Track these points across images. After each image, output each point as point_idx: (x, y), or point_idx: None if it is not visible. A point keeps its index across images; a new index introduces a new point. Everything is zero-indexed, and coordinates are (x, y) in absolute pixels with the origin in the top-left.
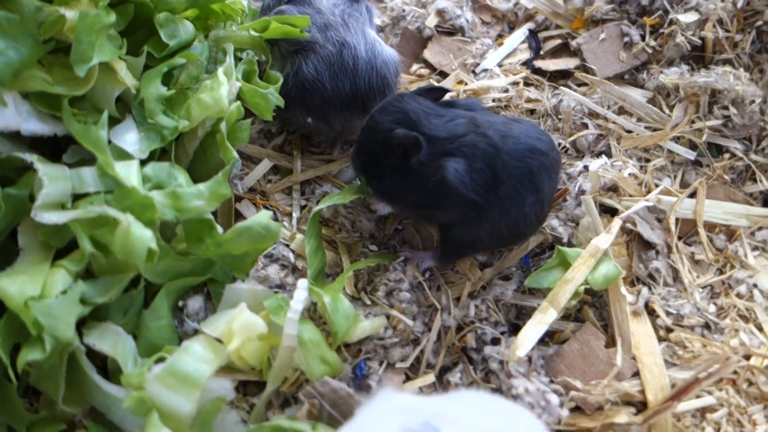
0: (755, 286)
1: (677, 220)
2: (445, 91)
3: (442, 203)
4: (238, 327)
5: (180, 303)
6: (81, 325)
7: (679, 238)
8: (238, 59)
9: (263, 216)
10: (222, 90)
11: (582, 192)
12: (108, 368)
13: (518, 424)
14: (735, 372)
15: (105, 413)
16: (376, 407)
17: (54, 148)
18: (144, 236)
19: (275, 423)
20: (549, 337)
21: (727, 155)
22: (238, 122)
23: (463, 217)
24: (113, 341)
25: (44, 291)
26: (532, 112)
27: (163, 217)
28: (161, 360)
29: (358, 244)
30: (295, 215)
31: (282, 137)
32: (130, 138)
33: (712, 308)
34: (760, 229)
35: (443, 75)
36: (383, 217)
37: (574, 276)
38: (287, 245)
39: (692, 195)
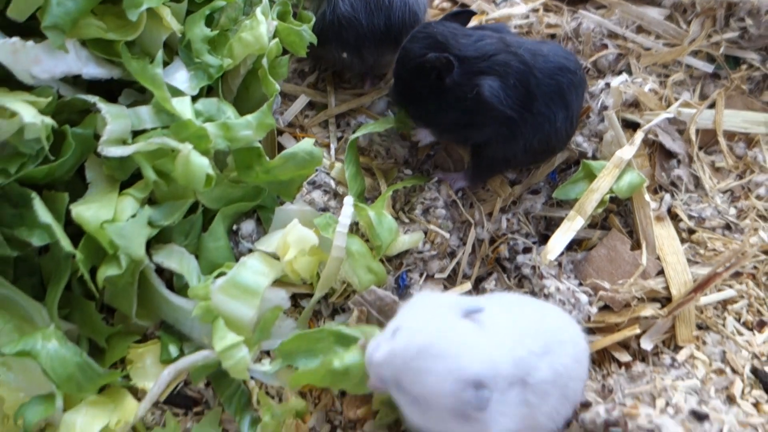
0: None
1: (697, 130)
2: (471, 13)
3: (479, 121)
4: (293, 239)
5: (234, 227)
6: (149, 246)
7: (700, 148)
8: (272, 1)
9: (306, 143)
10: (261, 28)
11: (604, 108)
12: (174, 286)
13: (549, 311)
14: (755, 267)
15: (174, 325)
16: (420, 301)
17: (107, 94)
18: (202, 163)
19: (330, 327)
20: (577, 245)
21: (744, 66)
22: (277, 58)
23: (498, 135)
24: (179, 259)
25: (116, 216)
26: (552, 36)
27: (216, 147)
28: (222, 275)
29: (393, 170)
30: (332, 146)
31: (315, 75)
32: (180, 77)
33: (732, 211)
34: None
35: (465, 7)
36: (416, 144)
37: (600, 185)
38: (327, 173)
39: (711, 106)
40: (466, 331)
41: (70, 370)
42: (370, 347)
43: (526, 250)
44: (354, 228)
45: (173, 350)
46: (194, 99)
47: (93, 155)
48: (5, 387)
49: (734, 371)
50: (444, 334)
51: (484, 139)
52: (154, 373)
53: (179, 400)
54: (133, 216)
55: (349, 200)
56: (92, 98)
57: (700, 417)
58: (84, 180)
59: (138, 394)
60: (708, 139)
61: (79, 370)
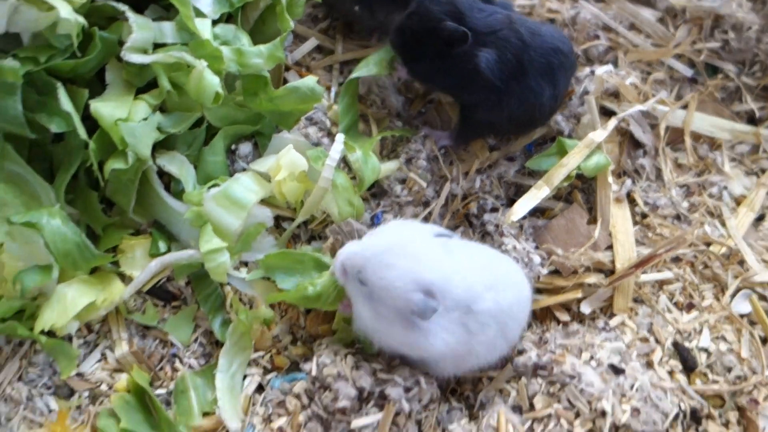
0: (725, 188)
1: (667, 127)
2: None
3: (471, 87)
4: (285, 162)
5: (233, 147)
6: (154, 150)
7: (667, 143)
8: None
9: (310, 80)
10: None
11: (586, 93)
12: (171, 190)
13: (504, 259)
14: (695, 256)
15: (166, 225)
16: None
17: (135, 7)
18: (213, 81)
19: (311, 253)
20: (540, 213)
21: (720, 75)
22: None
23: (487, 100)
24: (179, 165)
25: (129, 116)
26: (552, 20)
27: (227, 69)
28: (216, 186)
29: (385, 120)
30: (333, 89)
31: (327, 22)
32: (204, 0)
33: (685, 204)
34: (740, 143)
35: None
36: (410, 99)
37: (569, 162)
38: (325, 113)
39: (684, 107)
40: (433, 246)
41: (69, 247)
42: (342, 248)
43: (494, 209)
44: (341, 165)
45: (162, 246)
46: (214, 23)
47: (114, 59)
48: (7, 255)
49: (657, 341)
50: (415, 241)
51: (473, 102)
52: (142, 264)
53: (160, 293)
54: (145, 119)
55: (340, 137)
56: (122, 7)
57: (617, 371)
58: (103, 82)
59: (125, 281)
60: (675, 137)
61: (77, 248)
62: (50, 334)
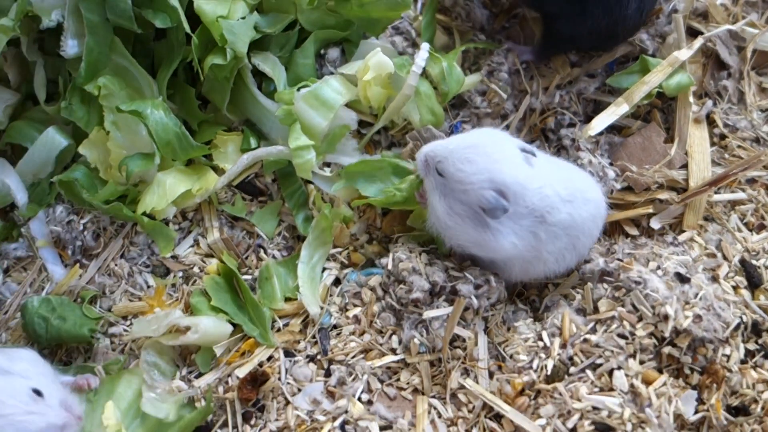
0: None
1: (755, 50)
2: None
3: None
4: (373, 63)
5: (322, 51)
6: (249, 49)
7: (753, 68)
8: None
9: None
10: None
11: (675, 11)
12: (263, 90)
13: (585, 176)
14: None
15: (257, 123)
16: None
17: None
18: None
19: (390, 159)
20: (617, 131)
21: None
22: None
23: (570, 10)
24: (272, 65)
25: (229, 14)
26: None
27: None
28: (305, 86)
29: (469, 33)
30: (420, 1)
31: None
32: None
33: (766, 128)
34: None
35: None
36: (494, 13)
37: (651, 79)
38: (411, 23)
39: None
40: (515, 154)
41: (170, 137)
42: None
43: (571, 125)
44: (424, 74)
45: (253, 142)
46: None
47: None
48: (113, 143)
49: (725, 257)
50: (498, 144)
51: (556, 11)
52: (233, 159)
53: (249, 187)
54: (243, 18)
55: (425, 46)
56: None
57: (683, 279)
58: None
59: (218, 173)
60: (762, 61)
61: (176, 138)
62: (150, 217)
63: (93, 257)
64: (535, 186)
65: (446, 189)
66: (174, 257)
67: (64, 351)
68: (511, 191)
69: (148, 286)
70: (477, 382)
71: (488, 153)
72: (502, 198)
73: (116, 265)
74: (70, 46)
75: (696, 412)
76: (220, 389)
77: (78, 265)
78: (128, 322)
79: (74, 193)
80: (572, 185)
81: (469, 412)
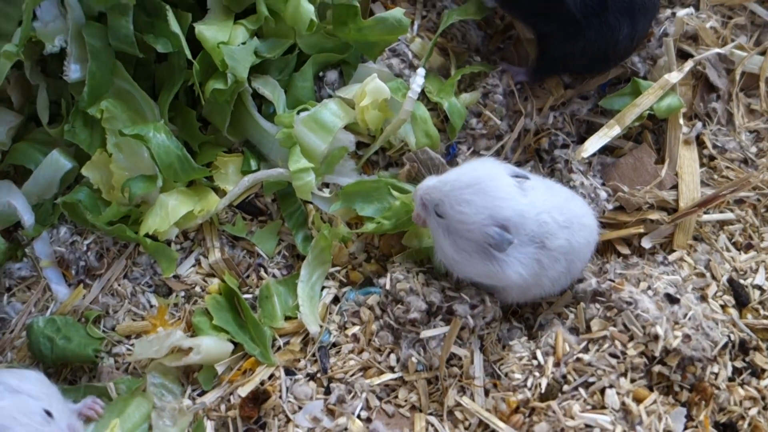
0: None
1: (743, 72)
2: None
3: (552, 15)
4: (370, 89)
5: (320, 74)
6: (249, 73)
7: (741, 89)
8: None
9: (398, 11)
10: None
11: (665, 35)
12: (261, 113)
13: (579, 201)
14: (758, 199)
15: (257, 145)
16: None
17: None
18: (309, 9)
19: (386, 179)
20: (609, 152)
21: None
22: None
23: (564, 31)
24: (272, 88)
25: (230, 40)
26: None
27: None
28: (305, 110)
29: (465, 54)
30: (417, 22)
31: None
32: None
33: (754, 149)
34: None
35: None
36: (489, 34)
37: (642, 102)
38: (407, 45)
39: (762, 53)
40: (509, 184)
41: (172, 160)
42: (421, 183)
43: (564, 146)
44: (422, 96)
45: (253, 164)
46: None
47: None
48: (115, 165)
49: (713, 277)
50: (492, 178)
51: (551, 31)
52: (234, 180)
53: (249, 207)
54: (243, 43)
55: (421, 71)
56: None
57: (672, 300)
58: (202, 7)
59: (219, 194)
60: (750, 83)
61: (178, 161)
62: (152, 238)
63: (96, 277)
64: (533, 214)
65: (449, 228)
66: (176, 277)
67: (69, 370)
68: (512, 223)
69: (151, 306)
70: (473, 400)
71: (485, 190)
72: (505, 232)
73: (119, 285)
74: (73, 71)
75: (685, 428)
76: (222, 407)
77: (82, 285)
78: (131, 342)
79: (78, 214)
80: (569, 211)
81: (466, 429)
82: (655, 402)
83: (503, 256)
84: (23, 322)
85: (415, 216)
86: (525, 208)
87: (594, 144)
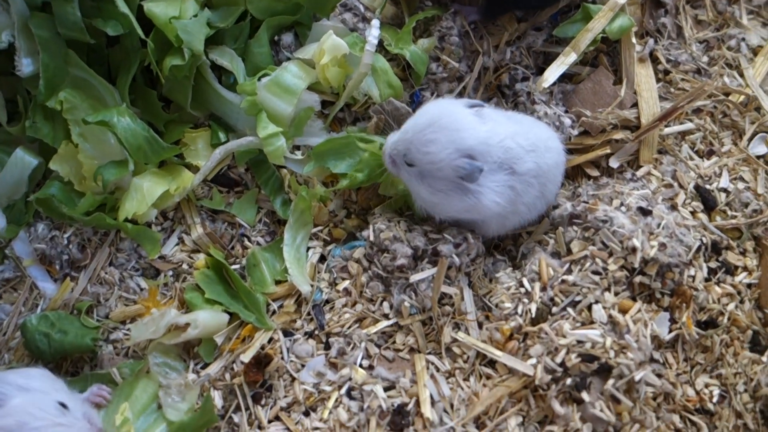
0: (743, 40)
1: None
2: None
3: None
4: (328, 46)
5: (276, 38)
6: (205, 46)
7: (687, 2)
8: None
9: None
10: None
11: None
12: (222, 84)
13: (542, 126)
14: (714, 106)
15: (222, 116)
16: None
17: None
18: None
19: (355, 133)
20: (568, 79)
21: None
22: None
23: None
24: (230, 58)
25: (180, 14)
26: None
27: None
28: (266, 76)
29: (415, 0)
30: None
31: None
32: None
33: (705, 58)
34: None
35: None
36: None
37: (594, 26)
38: None
39: None
40: (467, 115)
41: (140, 142)
42: (386, 140)
43: (524, 78)
44: (380, 48)
45: (222, 136)
46: None
47: None
48: (83, 154)
49: (681, 186)
50: (449, 113)
51: None
52: (205, 155)
53: (224, 180)
54: (195, 16)
55: (375, 23)
56: None
57: (645, 212)
58: None
59: (191, 170)
60: None
61: (146, 142)
62: (132, 222)
63: (82, 269)
64: (497, 141)
65: (421, 173)
66: (162, 257)
67: (70, 363)
68: (477, 152)
69: (141, 289)
70: (468, 334)
71: (445, 125)
72: (473, 161)
73: (106, 273)
74: (25, 65)
75: (670, 331)
76: (227, 376)
77: (68, 278)
78: (127, 327)
79: (53, 209)
80: (534, 136)
81: (465, 362)
82: (639, 311)
83: (477, 187)
84: (15, 323)
85: (389, 168)
86: (487, 134)
87: (553, 73)
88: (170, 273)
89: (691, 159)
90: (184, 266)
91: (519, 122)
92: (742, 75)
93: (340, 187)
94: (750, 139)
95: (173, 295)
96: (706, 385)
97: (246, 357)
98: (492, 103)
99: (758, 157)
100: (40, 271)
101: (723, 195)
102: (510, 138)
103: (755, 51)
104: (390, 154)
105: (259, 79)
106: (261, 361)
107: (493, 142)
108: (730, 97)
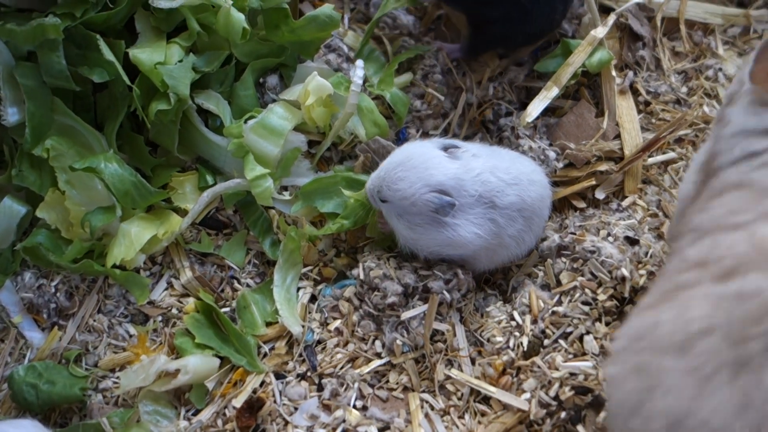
0: (720, 70)
1: (663, 18)
2: None
3: (498, 1)
4: (313, 87)
5: (261, 80)
6: (191, 90)
7: (664, 34)
8: None
9: (327, 7)
10: None
11: None
12: (209, 127)
13: (525, 160)
14: (696, 135)
15: (209, 159)
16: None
17: None
18: (239, 17)
19: (342, 173)
20: (551, 113)
21: None
22: None
23: (507, 16)
24: (216, 102)
25: (166, 60)
26: None
27: (250, 5)
28: (252, 118)
29: (398, 39)
30: (346, 16)
31: None
32: None
33: (684, 89)
34: (732, 26)
35: None
36: (419, 17)
37: (574, 60)
38: (341, 39)
39: None
40: (439, 155)
41: (128, 187)
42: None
43: (508, 114)
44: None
45: (209, 178)
46: None
47: (141, 9)
48: (70, 201)
49: (666, 215)
50: (419, 153)
51: (492, 17)
52: (192, 198)
53: (212, 222)
54: (180, 61)
55: (360, 63)
56: None
57: (632, 242)
58: (131, 32)
59: (180, 214)
60: (671, 27)
61: (134, 188)
62: (121, 268)
63: (70, 317)
64: (471, 176)
65: (398, 210)
66: (151, 303)
67: (58, 414)
68: (448, 187)
69: (130, 336)
70: (461, 371)
71: (414, 165)
72: (444, 195)
73: (95, 320)
74: (10, 114)
75: None
76: (219, 422)
77: (56, 327)
78: (117, 375)
79: (40, 257)
80: (515, 170)
81: (459, 399)
82: None
83: (453, 220)
84: (1, 375)
85: (374, 205)
86: (458, 171)
87: (536, 107)
88: (159, 318)
89: (675, 187)
90: (174, 311)
91: (500, 157)
92: (720, 103)
93: (326, 232)
94: None
95: (163, 341)
96: None
97: (238, 402)
98: (477, 139)
99: None
100: (27, 320)
101: None
102: (488, 172)
103: (732, 80)
104: (368, 191)
105: (245, 122)
106: (253, 405)
107: (467, 177)
108: (710, 126)
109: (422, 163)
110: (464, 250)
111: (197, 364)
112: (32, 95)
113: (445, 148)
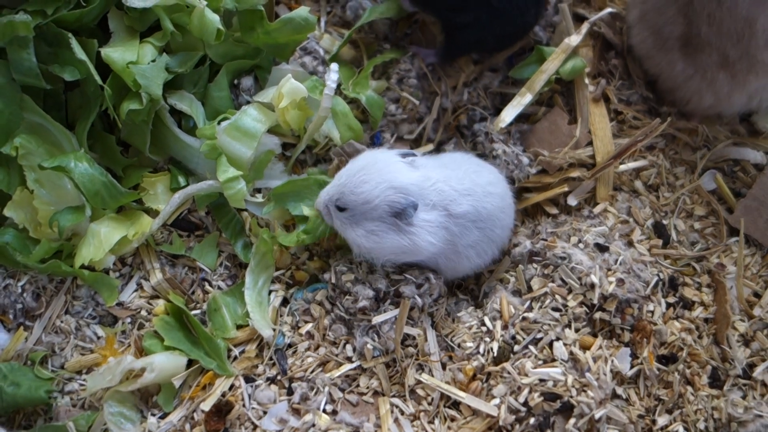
0: None
1: None
2: None
3: (468, 6)
4: (287, 90)
5: (235, 81)
6: (163, 91)
7: None
8: None
9: (303, 10)
10: None
11: (560, 1)
12: (182, 128)
13: (487, 170)
14: (666, 144)
15: (182, 160)
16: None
17: None
18: (214, 18)
19: (315, 176)
20: (525, 119)
21: None
22: None
23: (478, 20)
24: (189, 103)
25: (138, 59)
26: None
27: (225, 6)
28: (225, 119)
29: (374, 44)
30: (323, 19)
31: None
32: None
33: (655, 97)
34: None
35: None
36: (396, 21)
37: (548, 67)
38: (317, 42)
39: None
40: (399, 162)
41: (98, 187)
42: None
43: (482, 119)
44: (337, 92)
45: (181, 180)
46: None
47: (114, 8)
48: (39, 200)
49: (636, 222)
50: (381, 159)
51: (465, 21)
52: (164, 199)
53: (184, 224)
54: (153, 61)
55: (335, 66)
56: None
57: (602, 248)
58: (104, 31)
59: (151, 215)
60: None
61: (104, 187)
62: (89, 269)
63: (36, 318)
64: (429, 184)
65: (354, 218)
66: (119, 304)
67: (23, 416)
68: (411, 191)
69: (98, 337)
70: (432, 375)
71: (378, 168)
72: (408, 197)
73: (62, 321)
74: None
75: (631, 366)
76: (187, 426)
77: (22, 327)
78: (84, 377)
79: (6, 257)
80: (468, 180)
81: (429, 404)
82: (600, 347)
83: (410, 228)
84: None
85: (325, 218)
86: (418, 178)
87: (510, 113)
88: (128, 320)
89: (646, 195)
90: (143, 313)
91: (455, 168)
92: None
93: (288, 244)
94: (701, 174)
95: (131, 343)
96: (669, 423)
97: (206, 405)
98: (452, 144)
99: (710, 191)
100: None
101: (673, 231)
102: (442, 182)
103: None
104: (323, 202)
105: (218, 123)
106: (222, 409)
107: (425, 185)
108: (680, 134)
109: (385, 166)
110: (419, 256)
111: (163, 362)
112: (1, 92)
113: (404, 156)
